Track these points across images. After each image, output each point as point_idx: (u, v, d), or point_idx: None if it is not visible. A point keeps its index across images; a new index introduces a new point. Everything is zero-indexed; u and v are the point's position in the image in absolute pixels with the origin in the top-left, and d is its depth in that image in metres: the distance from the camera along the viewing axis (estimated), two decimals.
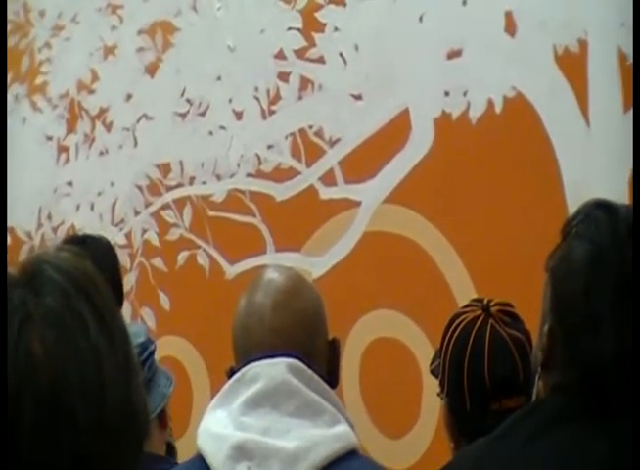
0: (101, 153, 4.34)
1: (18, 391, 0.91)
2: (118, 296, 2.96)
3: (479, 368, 2.15)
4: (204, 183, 3.93)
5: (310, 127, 3.60)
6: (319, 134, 3.57)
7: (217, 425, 1.65)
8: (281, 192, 3.66)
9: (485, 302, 2.25)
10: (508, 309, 2.23)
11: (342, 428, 1.64)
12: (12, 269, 1.00)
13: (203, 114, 3.96)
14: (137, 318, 3.96)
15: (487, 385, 2.14)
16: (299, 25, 3.66)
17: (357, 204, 3.43)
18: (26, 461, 0.91)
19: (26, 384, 0.92)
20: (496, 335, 2.17)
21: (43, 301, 0.96)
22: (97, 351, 0.95)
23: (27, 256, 1.03)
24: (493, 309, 2.20)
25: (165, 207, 4.07)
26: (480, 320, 2.20)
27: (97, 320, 0.97)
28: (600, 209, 1.45)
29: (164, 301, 3.98)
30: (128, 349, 1.00)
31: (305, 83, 3.63)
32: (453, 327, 2.23)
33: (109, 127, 4.32)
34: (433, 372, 2.32)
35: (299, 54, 3.64)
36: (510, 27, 3.12)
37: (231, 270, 3.74)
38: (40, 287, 0.96)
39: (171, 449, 2.64)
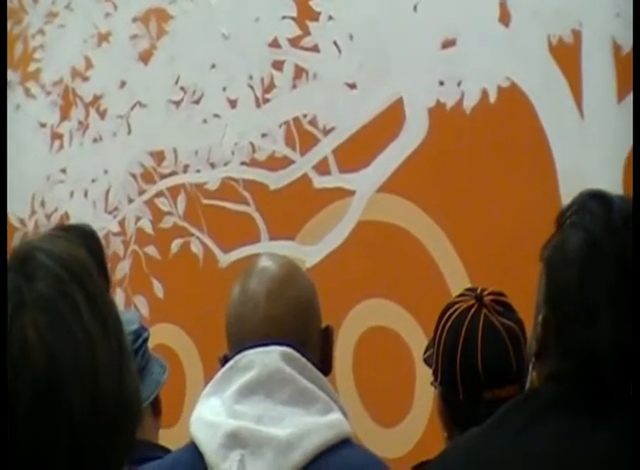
0: (95, 140, 4.34)
1: (12, 376, 0.91)
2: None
3: (471, 357, 2.16)
4: (197, 171, 3.93)
5: (304, 116, 3.60)
6: (313, 123, 3.57)
7: (211, 413, 1.65)
8: (275, 181, 3.66)
9: (479, 291, 2.25)
10: (501, 299, 2.23)
11: (336, 416, 1.64)
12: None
13: (197, 102, 3.96)
14: (130, 306, 3.95)
15: (480, 374, 2.14)
16: (294, 14, 3.65)
17: (351, 193, 3.43)
18: (22, 446, 0.91)
19: (21, 369, 0.92)
20: (489, 324, 2.17)
21: (36, 286, 0.96)
22: (90, 337, 0.95)
23: (20, 241, 1.03)
24: (486, 299, 2.21)
25: (159, 195, 4.06)
26: (473, 310, 2.20)
27: (90, 306, 0.97)
28: (595, 199, 1.46)
29: (158, 289, 3.98)
30: (121, 335, 1.00)
31: (300, 72, 3.63)
32: (446, 317, 2.23)
33: (103, 115, 4.31)
34: (426, 361, 2.33)
35: (294, 42, 3.64)
36: (504, 18, 3.12)
37: (225, 258, 3.74)
38: (33, 272, 0.97)
39: None
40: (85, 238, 1.14)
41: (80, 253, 1.02)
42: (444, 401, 2.21)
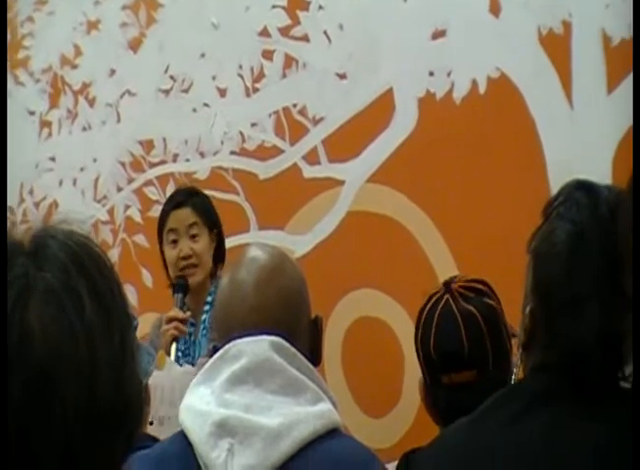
0: (84, 128, 4.33)
1: (9, 364, 0.91)
2: None
3: (427, 343, 2.19)
4: (187, 160, 3.93)
5: (294, 106, 3.60)
6: (303, 113, 3.57)
7: (200, 402, 1.65)
8: (264, 170, 3.66)
9: (451, 279, 2.27)
10: (473, 285, 2.23)
11: (325, 406, 1.64)
12: (19, 236, 1.00)
13: (186, 90, 3.95)
14: None
15: (434, 359, 2.17)
16: (284, 3, 3.64)
17: (341, 183, 3.43)
18: (13, 438, 0.91)
19: (19, 356, 0.91)
20: (446, 310, 2.19)
21: (44, 276, 0.95)
22: (91, 333, 0.95)
23: (40, 225, 1.02)
24: (455, 286, 2.22)
25: (148, 183, 4.06)
26: (437, 296, 2.23)
27: (95, 302, 0.96)
28: (581, 189, 1.46)
29: (147, 277, 3.98)
30: (126, 332, 0.99)
31: (289, 61, 3.62)
32: (422, 305, 2.26)
33: (92, 103, 4.30)
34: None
35: (284, 32, 3.63)
36: (494, 8, 3.12)
37: None
38: (43, 261, 0.96)
39: None
40: None
41: (93, 245, 1.02)
42: (420, 385, 2.27)
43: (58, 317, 0.93)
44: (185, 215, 3.13)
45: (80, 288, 0.96)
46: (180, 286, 3.05)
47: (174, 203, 3.19)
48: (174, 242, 3.12)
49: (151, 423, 2.45)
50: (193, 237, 3.10)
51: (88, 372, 0.93)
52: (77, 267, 0.97)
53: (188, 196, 3.22)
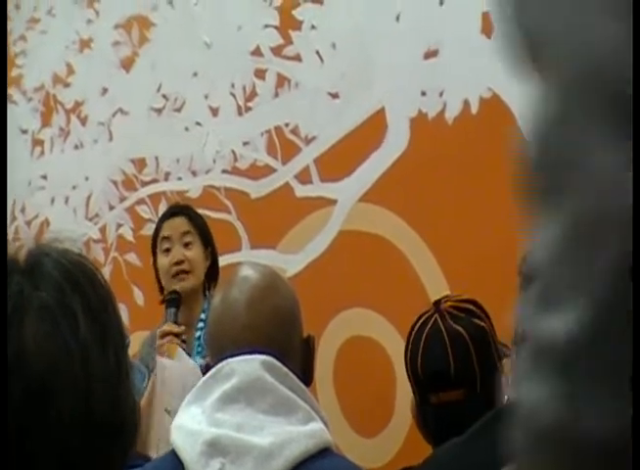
0: (76, 147, 4.33)
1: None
2: None
3: (415, 362, 2.19)
4: (179, 179, 3.93)
5: (286, 125, 3.60)
6: (295, 132, 3.58)
7: (191, 421, 1.65)
8: (256, 189, 3.66)
9: (441, 298, 2.27)
10: (463, 305, 2.23)
11: (316, 426, 1.64)
12: (13, 253, 1.00)
13: (178, 109, 3.96)
14: None
15: (422, 378, 2.17)
16: (276, 23, 3.65)
17: (333, 202, 3.43)
18: (13, 437, 0.91)
19: (15, 374, 0.92)
20: (435, 329, 2.19)
21: (39, 294, 0.96)
22: (86, 351, 0.95)
23: (35, 243, 1.03)
24: (444, 305, 2.22)
25: (140, 202, 4.06)
26: (426, 315, 2.23)
27: (90, 320, 0.97)
28: None
29: (138, 296, 3.98)
30: (121, 351, 1.00)
31: (282, 81, 3.63)
32: (412, 324, 2.27)
33: (84, 121, 4.30)
34: None
35: (276, 51, 3.64)
36: (487, 28, 3.13)
37: None
38: (38, 280, 0.97)
39: None
40: None
41: (88, 263, 1.02)
42: (412, 404, 2.27)
43: (53, 335, 0.94)
44: (179, 223, 3.13)
45: (75, 306, 0.96)
46: (173, 300, 3.04)
47: (169, 213, 3.21)
48: (167, 250, 3.11)
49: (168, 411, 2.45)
50: (186, 245, 3.10)
51: (84, 387, 0.94)
52: (71, 285, 0.97)
53: (183, 207, 3.25)
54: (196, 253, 3.10)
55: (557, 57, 0.62)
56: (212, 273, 3.15)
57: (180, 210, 3.23)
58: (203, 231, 3.16)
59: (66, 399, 0.93)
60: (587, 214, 0.61)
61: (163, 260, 3.11)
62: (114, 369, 0.97)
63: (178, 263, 3.07)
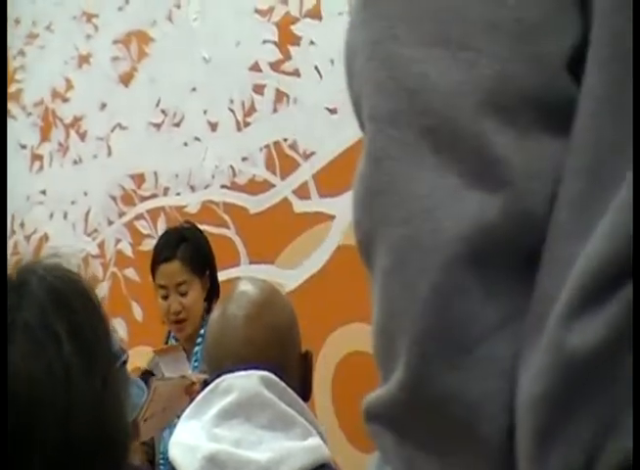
0: (75, 162, 4.34)
1: None
2: None
3: None
4: (178, 194, 3.93)
5: (285, 140, 3.61)
6: (294, 147, 3.58)
7: (190, 436, 1.65)
8: (255, 204, 3.66)
9: None
10: None
11: (315, 441, 1.64)
12: (11, 268, 1.00)
13: (177, 124, 3.96)
14: None
15: None
16: (275, 38, 3.66)
17: (331, 217, 3.43)
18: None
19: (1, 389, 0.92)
20: None
21: (22, 314, 0.95)
22: (69, 370, 0.94)
23: (23, 262, 1.02)
24: None
25: (139, 217, 4.06)
26: None
27: (74, 340, 0.96)
28: None
29: (137, 311, 3.97)
30: (110, 371, 0.99)
31: (280, 96, 3.64)
32: None
33: (83, 136, 4.31)
34: None
35: (275, 67, 3.65)
36: None
37: None
38: (23, 298, 0.96)
39: None
40: None
41: (78, 282, 1.01)
42: None
43: (36, 356, 0.93)
44: (173, 271, 3.09)
45: (57, 327, 0.95)
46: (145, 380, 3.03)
47: (162, 256, 3.13)
48: (165, 297, 3.11)
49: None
50: (183, 294, 3.10)
51: (64, 414, 0.93)
52: (56, 305, 0.96)
53: (176, 244, 3.14)
54: (192, 298, 3.10)
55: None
56: (212, 293, 3.15)
57: (173, 249, 3.11)
58: (198, 264, 3.13)
59: (48, 419, 0.92)
60: (401, 243, 0.61)
61: (163, 304, 3.12)
62: (100, 392, 0.96)
63: (176, 313, 3.09)
